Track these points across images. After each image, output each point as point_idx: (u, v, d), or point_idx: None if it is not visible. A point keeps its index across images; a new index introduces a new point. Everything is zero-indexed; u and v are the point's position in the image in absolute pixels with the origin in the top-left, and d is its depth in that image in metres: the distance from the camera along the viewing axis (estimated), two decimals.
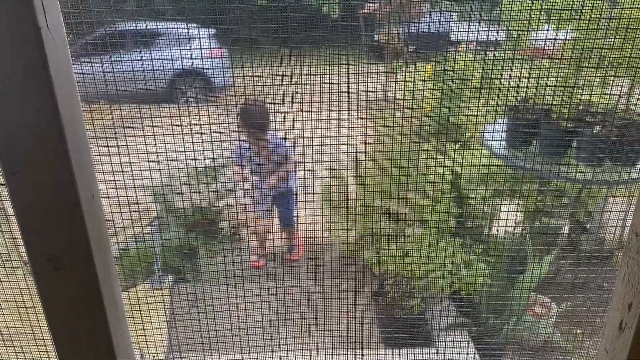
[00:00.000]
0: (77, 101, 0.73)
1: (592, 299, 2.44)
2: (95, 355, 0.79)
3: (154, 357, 1.84)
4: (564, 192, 2.99)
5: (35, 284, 0.74)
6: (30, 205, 0.70)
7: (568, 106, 2.39)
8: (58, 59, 0.68)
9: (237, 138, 3.01)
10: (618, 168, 2.37)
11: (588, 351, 2.20)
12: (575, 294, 2.60)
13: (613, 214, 2.54)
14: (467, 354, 2.27)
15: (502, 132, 2.50)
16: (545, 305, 2.68)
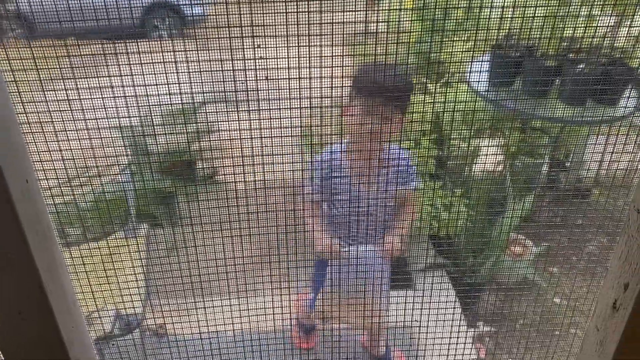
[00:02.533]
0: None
1: (571, 237, 2.46)
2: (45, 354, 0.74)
3: (130, 310, 1.80)
4: (545, 131, 2.97)
5: None
6: None
7: (552, 43, 2.32)
8: None
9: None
10: (600, 108, 2.34)
11: (572, 319, 2.23)
12: (553, 232, 2.63)
13: (593, 154, 2.53)
14: (447, 296, 2.29)
15: (484, 70, 2.44)
16: (524, 244, 2.71)
